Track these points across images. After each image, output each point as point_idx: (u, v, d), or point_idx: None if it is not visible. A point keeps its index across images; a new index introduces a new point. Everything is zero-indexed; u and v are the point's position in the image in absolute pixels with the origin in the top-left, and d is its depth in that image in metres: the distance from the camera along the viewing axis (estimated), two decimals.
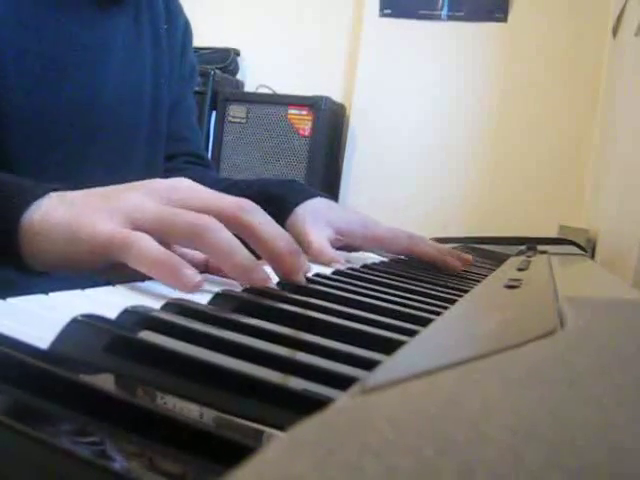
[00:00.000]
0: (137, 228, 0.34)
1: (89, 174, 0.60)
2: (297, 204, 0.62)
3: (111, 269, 0.35)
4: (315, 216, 0.61)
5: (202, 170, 0.79)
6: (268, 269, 0.38)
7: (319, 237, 0.58)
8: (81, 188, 0.38)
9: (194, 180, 0.71)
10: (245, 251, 0.35)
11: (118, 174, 0.64)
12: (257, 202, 0.62)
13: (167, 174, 0.73)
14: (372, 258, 0.66)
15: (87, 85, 0.59)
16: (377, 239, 0.63)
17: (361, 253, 0.68)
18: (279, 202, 0.62)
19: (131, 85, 0.65)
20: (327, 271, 0.47)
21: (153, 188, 0.37)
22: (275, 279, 0.38)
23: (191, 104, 0.82)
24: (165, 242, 0.34)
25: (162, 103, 0.69)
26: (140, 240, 0.32)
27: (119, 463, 0.14)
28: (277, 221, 0.60)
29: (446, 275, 0.57)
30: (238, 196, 0.58)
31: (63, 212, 0.35)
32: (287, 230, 0.59)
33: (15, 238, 0.35)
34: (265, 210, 0.57)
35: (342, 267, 0.52)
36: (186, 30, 0.76)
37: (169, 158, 0.75)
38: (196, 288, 0.32)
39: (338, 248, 0.64)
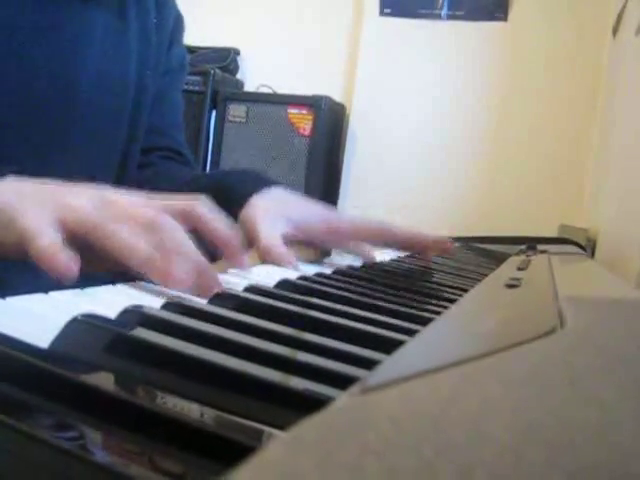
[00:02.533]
0: (64, 227, 0.33)
1: (68, 162, 0.60)
2: (251, 194, 0.55)
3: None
4: (269, 209, 0.54)
5: (176, 166, 0.75)
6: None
7: (270, 232, 0.52)
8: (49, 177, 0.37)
9: (162, 175, 0.69)
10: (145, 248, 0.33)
11: (96, 162, 0.63)
12: (211, 195, 0.59)
13: (139, 169, 0.71)
14: (348, 260, 0.59)
15: (62, 76, 0.59)
16: (338, 233, 0.56)
17: (340, 256, 0.62)
18: (230, 193, 0.56)
19: (113, 77, 0.64)
20: (327, 271, 0.47)
21: (102, 195, 0.36)
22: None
23: (178, 100, 0.78)
24: (97, 246, 0.34)
25: (146, 95, 0.69)
26: (41, 232, 0.32)
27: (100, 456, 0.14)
28: (230, 214, 0.56)
29: (446, 276, 0.57)
30: (195, 191, 0.54)
31: (7, 199, 0.35)
32: (241, 224, 0.54)
33: None
34: (218, 202, 0.54)
35: (292, 267, 0.48)
36: (176, 23, 0.74)
37: (144, 152, 0.71)
38: (63, 270, 0.31)
39: (307, 244, 0.58)
